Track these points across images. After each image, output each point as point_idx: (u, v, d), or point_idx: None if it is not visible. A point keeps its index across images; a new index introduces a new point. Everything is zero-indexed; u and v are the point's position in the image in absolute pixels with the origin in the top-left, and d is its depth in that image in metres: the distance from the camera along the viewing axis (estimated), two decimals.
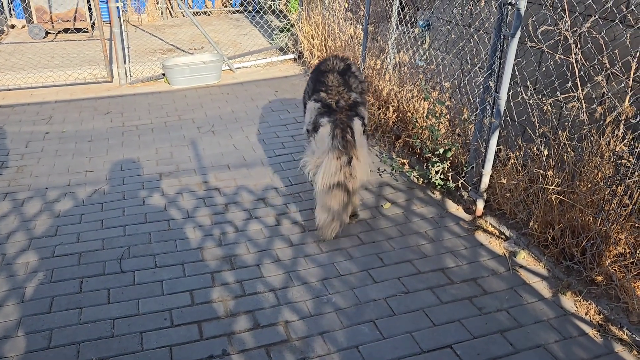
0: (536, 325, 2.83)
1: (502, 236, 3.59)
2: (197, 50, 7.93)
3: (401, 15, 5.15)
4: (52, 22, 8.37)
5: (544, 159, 3.36)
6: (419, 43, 5.50)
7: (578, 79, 3.27)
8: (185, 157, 4.79)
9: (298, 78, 6.81)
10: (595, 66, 3.36)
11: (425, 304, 3.00)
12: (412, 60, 5.09)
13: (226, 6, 10.58)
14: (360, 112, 3.51)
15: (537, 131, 3.45)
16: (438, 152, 4.13)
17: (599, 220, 3.01)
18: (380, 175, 4.45)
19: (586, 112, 3.24)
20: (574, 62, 3.33)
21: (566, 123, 3.42)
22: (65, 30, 8.44)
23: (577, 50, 3.31)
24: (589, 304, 2.92)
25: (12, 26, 8.91)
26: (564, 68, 3.52)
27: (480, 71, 4.22)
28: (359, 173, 3.44)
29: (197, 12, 10.27)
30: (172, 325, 2.83)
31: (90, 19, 8.64)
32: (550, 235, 3.27)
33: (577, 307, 2.94)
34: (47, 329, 2.79)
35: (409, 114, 4.76)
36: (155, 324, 2.84)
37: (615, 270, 2.97)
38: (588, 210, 3.07)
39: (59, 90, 6.47)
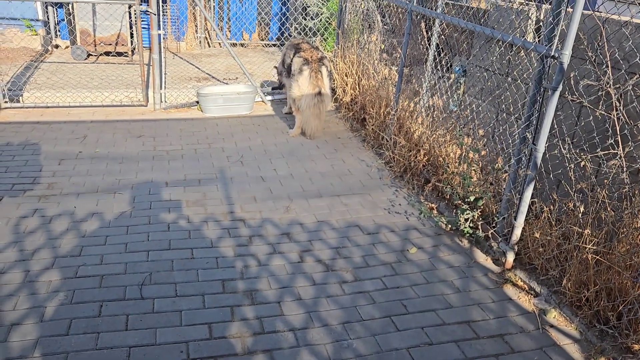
0: None
1: (532, 292, 3.46)
2: (231, 80, 8.07)
3: (437, 60, 5.16)
4: (95, 45, 8.64)
5: (580, 215, 3.26)
6: (453, 88, 5.49)
7: (619, 136, 3.20)
8: (212, 185, 4.80)
9: (329, 114, 6.84)
10: (639, 125, 3.28)
11: (450, 357, 2.89)
12: (446, 105, 5.08)
13: (263, 39, 10.80)
14: (325, 63, 5.98)
15: (574, 186, 3.36)
16: (469, 200, 4.05)
17: (637, 284, 2.88)
18: (407, 218, 4.38)
19: (627, 171, 3.15)
20: (615, 119, 3.26)
21: (605, 180, 3.32)
22: (107, 53, 8.69)
23: (620, 108, 3.25)
24: None
25: (57, 46, 9.22)
26: (606, 124, 3.45)
27: (517, 121, 4.17)
28: (324, 97, 5.92)
29: (234, 44, 10.49)
30: (187, 359, 2.77)
31: (131, 44, 8.90)
32: (584, 296, 3.14)
33: None
34: (63, 351, 2.76)
35: (440, 159, 4.71)
36: (171, 356, 2.78)
37: None
38: (626, 273, 2.95)
39: (95, 110, 6.62)
